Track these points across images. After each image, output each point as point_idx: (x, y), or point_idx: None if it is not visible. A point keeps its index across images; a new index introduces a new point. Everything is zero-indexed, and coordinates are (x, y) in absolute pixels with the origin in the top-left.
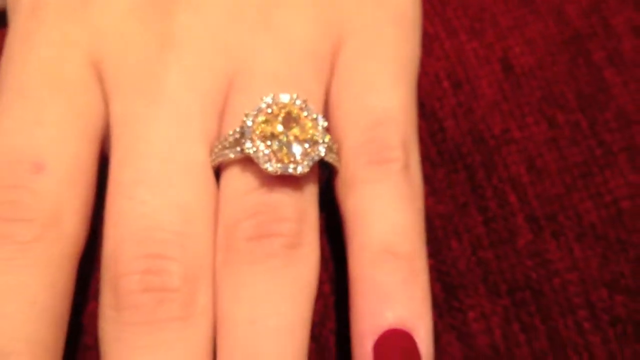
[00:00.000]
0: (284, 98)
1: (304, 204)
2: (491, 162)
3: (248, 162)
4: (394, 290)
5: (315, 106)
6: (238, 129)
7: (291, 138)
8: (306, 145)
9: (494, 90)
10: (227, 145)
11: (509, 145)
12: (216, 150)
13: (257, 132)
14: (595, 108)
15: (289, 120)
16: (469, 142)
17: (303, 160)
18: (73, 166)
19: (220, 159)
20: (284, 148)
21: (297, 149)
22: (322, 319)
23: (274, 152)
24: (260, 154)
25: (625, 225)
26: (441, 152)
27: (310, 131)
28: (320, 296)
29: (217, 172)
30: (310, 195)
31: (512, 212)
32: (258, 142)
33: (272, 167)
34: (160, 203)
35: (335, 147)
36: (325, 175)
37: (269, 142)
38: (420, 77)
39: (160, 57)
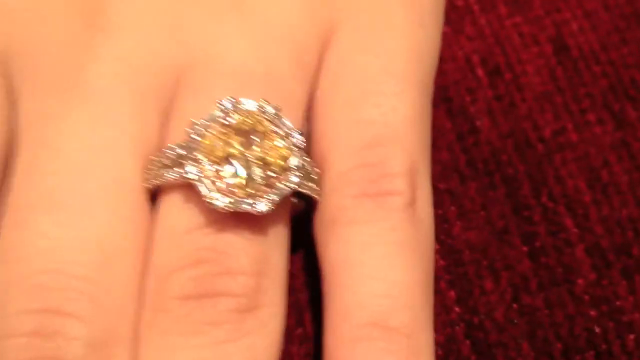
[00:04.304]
0: (249, 104)
1: (266, 250)
2: (540, 174)
3: (193, 188)
4: None
5: (294, 115)
6: (182, 144)
7: (252, 162)
8: (272, 173)
9: (544, 79)
10: (167, 164)
11: (564, 151)
12: (152, 168)
13: (206, 150)
14: None
15: (253, 136)
16: (510, 147)
17: (266, 193)
18: None
19: (156, 181)
20: (241, 175)
21: (259, 178)
22: None
23: (225, 180)
24: (207, 181)
25: None
26: (473, 161)
27: (280, 153)
28: None
29: (155, 196)
30: (275, 237)
31: (569, 242)
32: (205, 165)
33: (221, 201)
34: (67, 236)
35: (315, 172)
36: (302, 206)
37: (219, 167)
38: (445, 63)
39: (85, 41)
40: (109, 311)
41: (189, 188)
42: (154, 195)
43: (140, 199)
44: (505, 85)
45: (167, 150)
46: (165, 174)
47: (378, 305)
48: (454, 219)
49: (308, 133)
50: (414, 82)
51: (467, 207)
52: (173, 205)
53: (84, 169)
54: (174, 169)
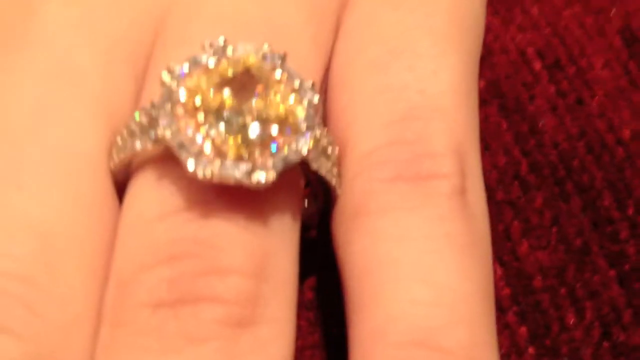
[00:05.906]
0: (245, 47)
1: (268, 246)
2: (622, 182)
3: (169, 161)
4: None
5: (304, 74)
6: (155, 101)
7: (248, 117)
8: (275, 133)
9: (616, 73)
10: (136, 130)
11: None
12: (120, 139)
13: (186, 103)
14: None
15: (249, 84)
16: (582, 150)
17: (267, 159)
18: None
19: (122, 154)
20: (233, 135)
21: (257, 138)
22: None
23: (212, 140)
24: (185, 141)
25: None
26: (537, 167)
27: (287, 109)
28: None
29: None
30: (281, 230)
31: None
32: (184, 121)
33: (205, 169)
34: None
35: (333, 148)
36: (315, 210)
37: (202, 119)
38: (494, 55)
39: None
40: (55, 325)
41: (164, 161)
42: (126, 180)
43: (103, 180)
44: (568, 81)
45: (140, 112)
46: (133, 143)
47: (424, 317)
48: (519, 236)
49: (324, 114)
50: (457, 45)
51: (535, 221)
52: (143, 184)
53: (29, 134)
54: (146, 134)
